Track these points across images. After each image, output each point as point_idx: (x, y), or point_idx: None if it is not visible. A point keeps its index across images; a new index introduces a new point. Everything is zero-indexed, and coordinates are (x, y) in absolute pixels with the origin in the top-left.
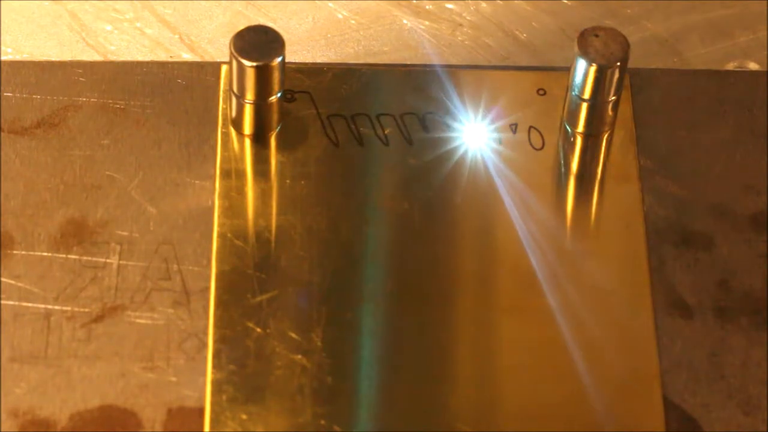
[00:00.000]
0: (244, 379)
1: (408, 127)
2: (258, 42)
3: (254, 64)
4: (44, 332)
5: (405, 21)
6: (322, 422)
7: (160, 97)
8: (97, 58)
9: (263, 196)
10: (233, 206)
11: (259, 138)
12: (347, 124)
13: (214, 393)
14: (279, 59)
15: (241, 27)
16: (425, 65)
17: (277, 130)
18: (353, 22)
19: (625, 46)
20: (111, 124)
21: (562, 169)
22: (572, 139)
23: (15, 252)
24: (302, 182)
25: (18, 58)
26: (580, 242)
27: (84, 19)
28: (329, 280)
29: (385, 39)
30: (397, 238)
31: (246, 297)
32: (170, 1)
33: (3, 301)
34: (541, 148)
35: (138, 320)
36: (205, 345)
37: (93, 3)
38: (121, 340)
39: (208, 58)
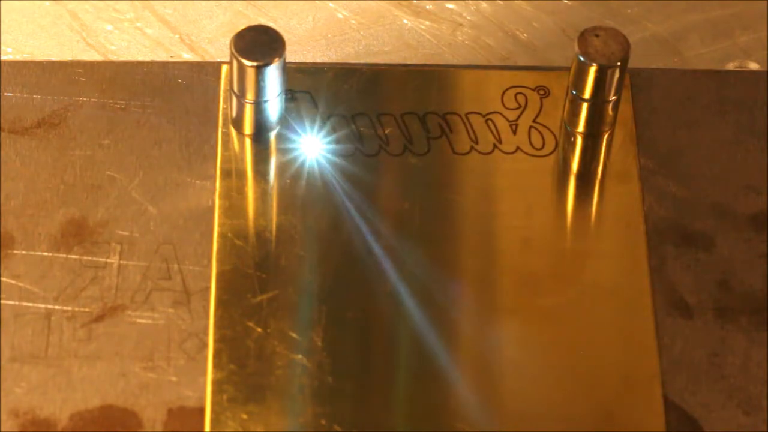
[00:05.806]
0: (245, 378)
1: (408, 127)
2: (258, 42)
3: (254, 64)
4: (45, 332)
5: (405, 21)
6: (322, 422)
7: (160, 97)
8: (97, 58)
9: (263, 196)
10: (233, 206)
11: (260, 138)
12: (347, 124)
13: (214, 393)
14: (279, 59)
15: (242, 27)
16: (425, 65)
17: (278, 130)
18: (353, 22)
19: (626, 45)
20: (111, 124)
21: (563, 169)
22: (572, 139)
23: (15, 252)
24: (302, 182)
25: (18, 57)
26: (580, 242)
27: (84, 19)
28: (329, 280)
29: (385, 39)
30: (397, 238)
31: (246, 297)
32: (170, 1)
33: (3, 301)
34: (541, 148)
35: (138, 320)
36: (205, 345)
37: (93, 3)
38: (122, 340)
39: (208, 58)
